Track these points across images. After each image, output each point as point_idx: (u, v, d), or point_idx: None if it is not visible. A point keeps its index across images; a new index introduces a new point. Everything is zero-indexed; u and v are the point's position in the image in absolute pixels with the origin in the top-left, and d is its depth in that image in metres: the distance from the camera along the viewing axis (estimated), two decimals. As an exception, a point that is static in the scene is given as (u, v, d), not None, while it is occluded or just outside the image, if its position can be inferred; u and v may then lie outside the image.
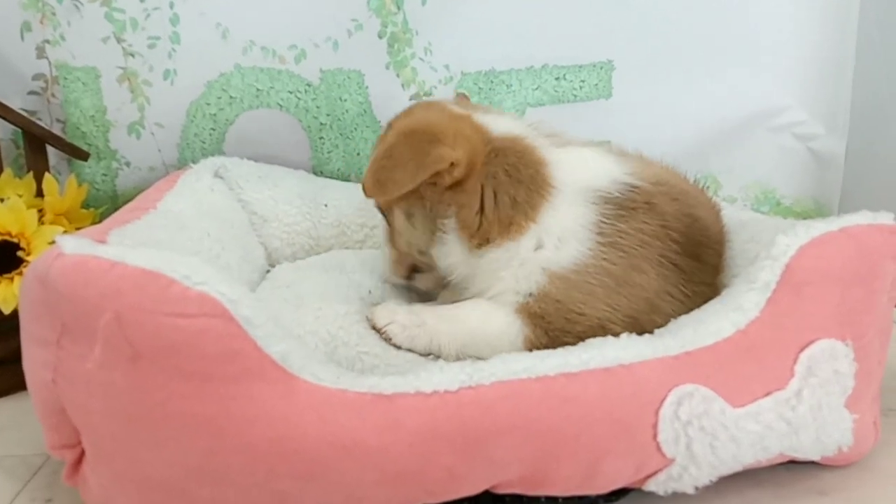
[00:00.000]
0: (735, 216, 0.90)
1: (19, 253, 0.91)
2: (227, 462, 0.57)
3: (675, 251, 0.74)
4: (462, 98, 0.94)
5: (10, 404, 0.89)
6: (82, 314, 0.57)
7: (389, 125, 0.84)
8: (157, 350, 0.56)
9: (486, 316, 0.74)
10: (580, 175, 0.76)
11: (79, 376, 0.58)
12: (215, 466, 0.58)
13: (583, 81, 1.22)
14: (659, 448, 0.61)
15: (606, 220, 0.73)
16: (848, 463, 0.71)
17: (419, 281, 0.88)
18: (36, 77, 1.10)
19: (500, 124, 0.79)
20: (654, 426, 0.61)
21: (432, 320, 0.75)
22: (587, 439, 0.60)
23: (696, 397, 0.61)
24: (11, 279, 0.91)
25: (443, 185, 0.75)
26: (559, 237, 0.74)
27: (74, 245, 0.59)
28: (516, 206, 0.75)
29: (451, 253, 0.78)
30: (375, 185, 0.73)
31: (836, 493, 0.69)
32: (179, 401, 0.57)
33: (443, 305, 0.80)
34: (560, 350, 0.64)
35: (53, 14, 1.08)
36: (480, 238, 0.76)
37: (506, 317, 0.73)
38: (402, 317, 0.76)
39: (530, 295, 0.73)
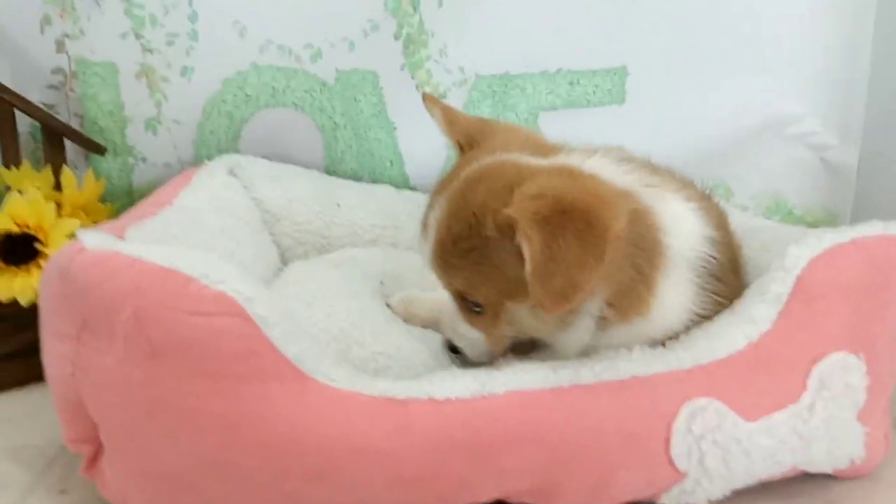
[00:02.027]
0: (746, 223, 0.89)
1: (37, 245, 0.92)
2: (240, 460, 0.58)
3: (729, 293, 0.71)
4: (430, 99, 0.79)
5: (26, 396, 0.90)
6: (102, 310, 0.58)
7: (460, 198, 0.66)
8: (175, 347, 0.57)
9: None
10: (683, 240, 0.67)
11: (97, 370, 0.59)
12: (228, 464, 0.59)
13: (596, 86, 1.22)
14: (671, 462, 0.62)
15: (704, 289, 0.68)
16: (860, 475, 0.71)
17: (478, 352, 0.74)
18: (55, 71, 1.11)
19: (610, 172, 0.67)
20: (667, 440, 0.61)
21: None
22: (599, 451, 0.61)
23: (709, 411, 0.62)
24: (29, 271, 0.92)
25: None
26: (665, 309, 0.67)
27: (96, 241, 0.60)
28: (642, 279, 0.65)
29: (581, 336, 0.67)
30: (558, 299, 0.58)
31: (843, 502, 0.69)
32: (195, 398, 0.58)
33: None
34: (573, 362, 0.64)
35: (73, 9, 1.08)
36: (616, 316, 0.66)
37: None
38: None
39: None
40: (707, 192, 0.82)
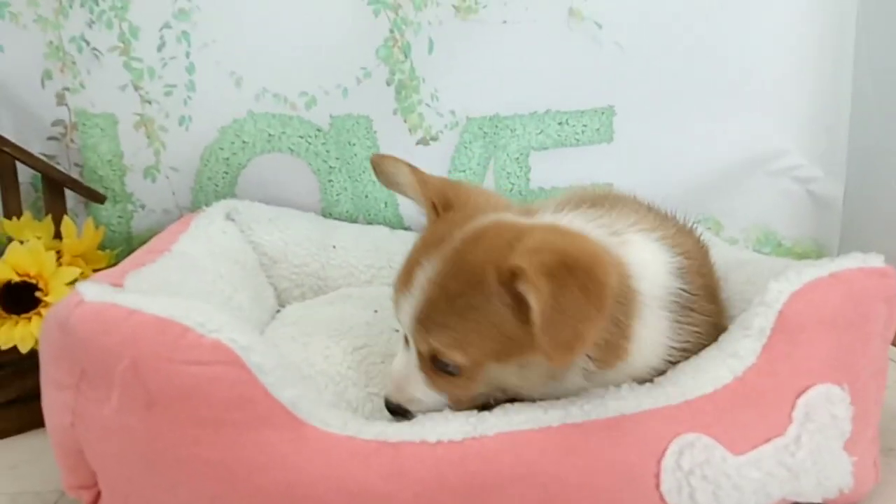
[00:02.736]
0: (733, 255, 0.91)
1: (37, 294, 0.93)
2: None
3: (715, 324, 0.73)
4: (392, 160, 0.76)
5: (26, 442, 0.91)
6: (101, 360, 0.59)
7: (457, 257, 0.65)
8: (172, 396, 0.58)
9: None
10: (651, 281, 0.68)
11: (96, 420, 0.60)
12: None
13: (585, 126, 1.25)
14: (662, 498, 0.62)
15: (678, 322, 0.69)
16: (849, 503, 0.71)
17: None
18: (55, 123, 1.14)
19: (587, 232, 0.68)
20: (657, 476, 0.62)
21: None
22: (590, 489, 0.61)
23: (697, 446, 0.62)
24: (29, 319, 0.93)
25: None
26: (643, 350, 0.68)
27: (94, 293, 0.61)
28: (619, 331, 0.66)
29: (568, 387, 0.68)
30: (564, 351, 0.57)
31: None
32: (192, 446, 0.58)
33: None
34: (563, 401, 0.65)
35: (74, 63, 1.12)
36: (600, 366, 0.67)
37: None
38: None
39: None
40: (679, 220, 0.83)
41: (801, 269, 0.70)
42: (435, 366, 0.67)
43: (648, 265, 0.69)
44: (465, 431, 0.61)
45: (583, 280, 0.58)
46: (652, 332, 0.68)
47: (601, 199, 0.81)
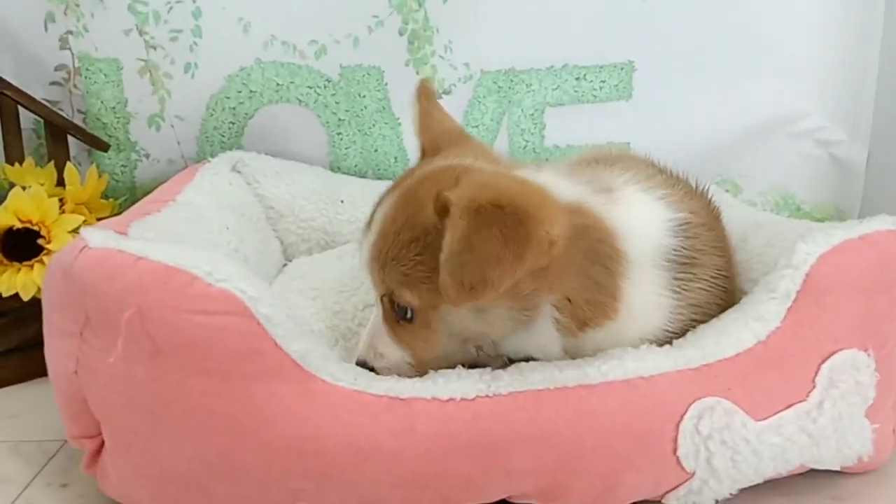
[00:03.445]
0: (750, 217, 0.88)
1: (40, 241, 0.92)
2: (245, 459, 0.58)
3: (727, 277, 0.72)
4: (425, 92, 0.76)
5: (28, 391, 0.90)
6: (105, 308, 0.58)
7: (409, 191, 0.65)
8: (178, 346, 0.56)
9: None
10: (643, 242, 0.66)
11: (101, 369, 0.59)
12: (233, 463, 0.58)
13: (603, 82, 1.21)
14: (679, 462, 0.61)
15: (678, 280, 0.67)
16: (866, 470, 0.70)
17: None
18: (58, 68, 1.11)
19: (557, 186, 0.65)
20: (674, 440, 0.60)
21: None
22: (605, 452, 0.60)
23: (717, 411, 0.61)
24: (31, 266, 0.92)
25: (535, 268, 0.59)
26: (638, 310, 0.66)
27: (99, 238, 0.60)
28: (601, 289, 0.63)
29: (544, 342, 0.65)
30: (464, 290, 0.55)
31: (852, 499, 0.68)
32: (199, 397, 0.57)
33: None
34: (579, 361, 0.63)
35: (77, 6, 1.08)
36: (578, 322, 0.64)
37: None
38: None
39: None
40: (691, 183, 0.81)
41: (830, 231, 0.68)
42: (394, 313, 0.65)
43: (640, 223, 0.66)
44: (479, 389, 0.60)
45: (509, 222, 0.55)
46: (645, 292, 0.65)
47: (611, 159, 0.79)
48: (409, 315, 0.64)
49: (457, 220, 0.56)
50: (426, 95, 0.76)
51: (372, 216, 0.66)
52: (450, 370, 0.63)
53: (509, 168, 0.70)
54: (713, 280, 0.69)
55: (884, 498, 0.68)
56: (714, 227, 0.75)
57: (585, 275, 0.62)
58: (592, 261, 0.63)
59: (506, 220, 0.55)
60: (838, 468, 0.67)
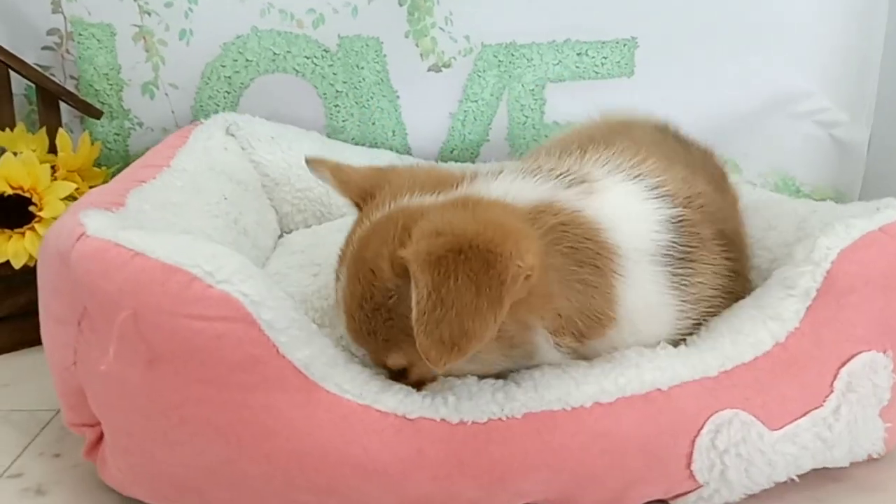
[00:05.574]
0: (748, 197, 0.85)
1: (31, 208, 0.90)
2: (245, 470, 0.56)
3: (729, 258, 0.67)
4: (316, 162, 0.72)
5: (20, 359, 0.89)
6: (101, 305, 0.55)
7: (358, 259, 0.60)
8: (174, 353, 0.54)
9: None
10: (634, 230, 0.61)
11: (96, 367, 0.56)
12: (232, 472, 0.56)
13: (605, 58, 1.20)
14: (692, 475, 0.59)
15: (677, 275, 0.63)
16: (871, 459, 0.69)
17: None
18: (51, 32, 1.09)
19: (519, 190, 0.60)
20: (689, 455, 0.58)
21: None
22: (618, 470, 0.58)
23: (734, 424, 0.59)
24: (23, 234, 0.90)
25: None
26: (638, 312, 0.61)
27: (97, 225, 0.57)
28: (593, 292, 0.59)
29: (550, 359, 0.61)
30: (445, 350, 0.50)
31: (849, 479, 0.67)
32: (196, 406, 0.55)
33: None
34: (595, 372, 0.59)
35: (70, -32, 1.06)
36: (576, 336, 0.60)
37: None
38: None
39: None
40: (700, 159, 0.77)
41: (849, 223, 0.64)
42: (392, 373, 0.61)
43: (626, 214, 0.61)
44: (491, 412, 0.56)
45: (476, 266, 0.51)
46: (643, 290, 0.61)
47: (608, 136, 0.75)
48: (404, 372, 0.61)
49: (419, 276, 0.51)
50: (321, 163, 0.71)
51: (335, 293, 0.63)
52: (461, 384, 0.59)
53: (457, 181, 0.64)
54: (716, 271, 0.65)
55: (879, 478, 0.67)
56: (722, 212, 0.71)
57: (574, 281, 0.58)
58: (579, 262, 0.58)
59: (471, 265, 0.51)
60: (847, 465, 0.66)
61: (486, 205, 0.58)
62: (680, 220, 0.63)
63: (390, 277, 0.56)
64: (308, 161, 0.72)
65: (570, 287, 0.58)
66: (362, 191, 0.68)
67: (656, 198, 0.64)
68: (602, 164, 0.66)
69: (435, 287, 0.50)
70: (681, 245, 0.62)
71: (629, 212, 0.62)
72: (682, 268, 0.62)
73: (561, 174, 0.63)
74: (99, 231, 0.57)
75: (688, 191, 0.67)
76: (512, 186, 0.61)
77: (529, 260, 0.53)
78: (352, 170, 0.70)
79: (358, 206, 0.68)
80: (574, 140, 0.79)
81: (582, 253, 0.58)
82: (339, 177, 0.69)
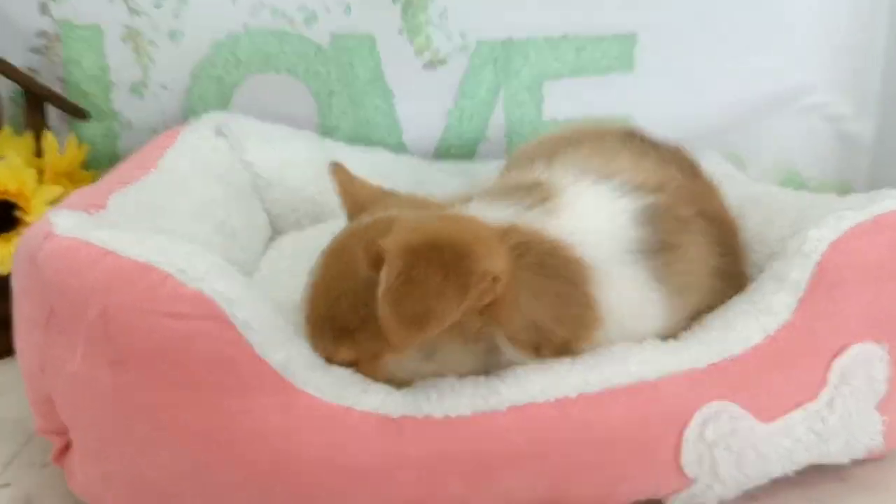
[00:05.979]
0: (745, 191, 0.83)
1: (17, 213, 0.88)
2: (221, 476, 0.54)
3: (716, 237, 0.67)
4: (336, 169, 0.75)
5: (4, 367, 0.87)
6: (69, 304, 0.53)
7: (337, 247, 0.63)
8: (145, 353, 0.52)
9: None
10: (600, 242, 0.62)
11: (64, 370, 0.54)
12: (208, 478, 0.54)
13: (604, 54, 1.18)
14: (680, 469, 0.58)
15: (657, 271, 0.62)
16: (873, 459, 0.67)
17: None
18: (38, 34, 1.07)
19: (486, 216, 0.62)
20: (677, 447, 0.57)
21: None
22: (606, 463, 0.57)
23: (722, 417, 0.58)
24: (9, 239, 0.88)
25: (481, 306, 0.57)
26: (623, 315, 0.61)
27: (67, 225, 0.55)
28: (572, 303, 0.60)
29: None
30: (407, 325, 0.52)
31: (854, 479, 0.66)
32: (168, 409, 0.53)
33: None
34: (579, 366, 0.59)
35: (57, -31, 1.04)
36: (551, 348, 0.61)
37: None
38: None
39: None
40: (670, 154, 0.76)
41: (841, 214, 0.63)
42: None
43: (591, 224, 0.62)
44: (475, 406, 0.55)
45: (448, 257, 0.53)
46: (624, 294, 0.61)
47: (574, 141, 0.76)
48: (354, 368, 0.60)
49: (394, 259, 0.53)
50: (341, 170, 0.74)
51: (304, 291, 0.63)
52: (443, 381, 0.58)
53: (439, 208, 0.67)
54: (702, 251, 0.65)
55: (884, 477, 0.66)
56: (697, 193, 0.70)
57: (547, 294, 0.59)
58: (548, 275, 0.59)
59: (444, 256, 0.53)
60: (846, 461, 0.65)
61: (462, 217, 0.62)
62: (654, 208, 0.64)
63: (363, 269, 0.57)
64: (332, 164, 0.75)
65: (542, 299, 0.59)
66: (358, 204, 0.71)
67: (626, 194, 0.64)
68: (569, 170, 0.67)
69: (406, 268, 0.53)
70: (659, 233, 0.63)
71: (595, 220, 0.63)
72: (662, 257, 0.62)
73: (524, 193, 0.64)
74: (69, 230, 0.55)
75: (660, 178, 0.67)
76: (481, 212, 0.63)
77: (500, 264, 0.55)
78: (361, 185, 0.73)
79: (349, 215, 0.72)
80: (543, 147, 0.81)
81: (549, 269, 0.60)
82: (346, 188, 0.73)
